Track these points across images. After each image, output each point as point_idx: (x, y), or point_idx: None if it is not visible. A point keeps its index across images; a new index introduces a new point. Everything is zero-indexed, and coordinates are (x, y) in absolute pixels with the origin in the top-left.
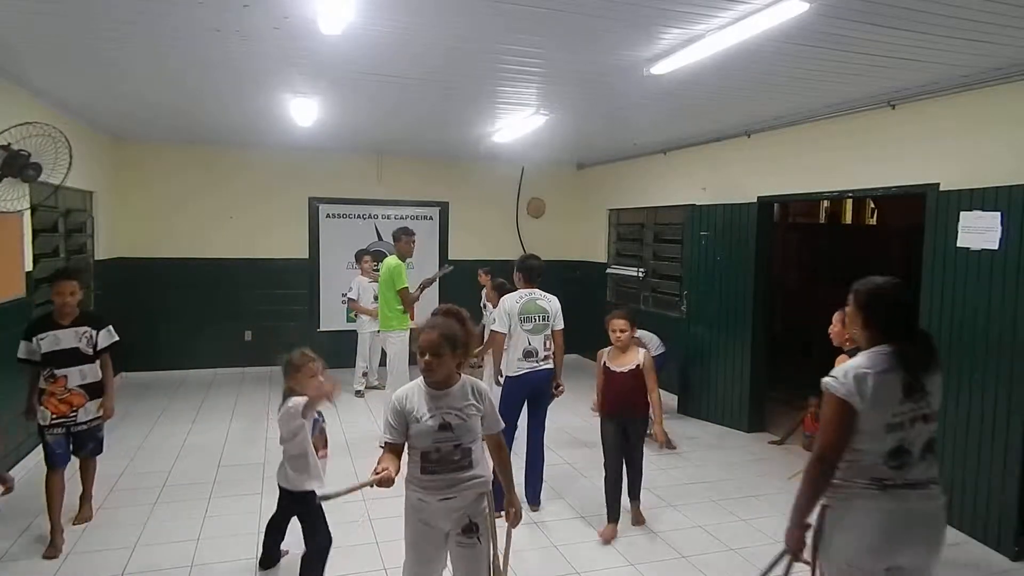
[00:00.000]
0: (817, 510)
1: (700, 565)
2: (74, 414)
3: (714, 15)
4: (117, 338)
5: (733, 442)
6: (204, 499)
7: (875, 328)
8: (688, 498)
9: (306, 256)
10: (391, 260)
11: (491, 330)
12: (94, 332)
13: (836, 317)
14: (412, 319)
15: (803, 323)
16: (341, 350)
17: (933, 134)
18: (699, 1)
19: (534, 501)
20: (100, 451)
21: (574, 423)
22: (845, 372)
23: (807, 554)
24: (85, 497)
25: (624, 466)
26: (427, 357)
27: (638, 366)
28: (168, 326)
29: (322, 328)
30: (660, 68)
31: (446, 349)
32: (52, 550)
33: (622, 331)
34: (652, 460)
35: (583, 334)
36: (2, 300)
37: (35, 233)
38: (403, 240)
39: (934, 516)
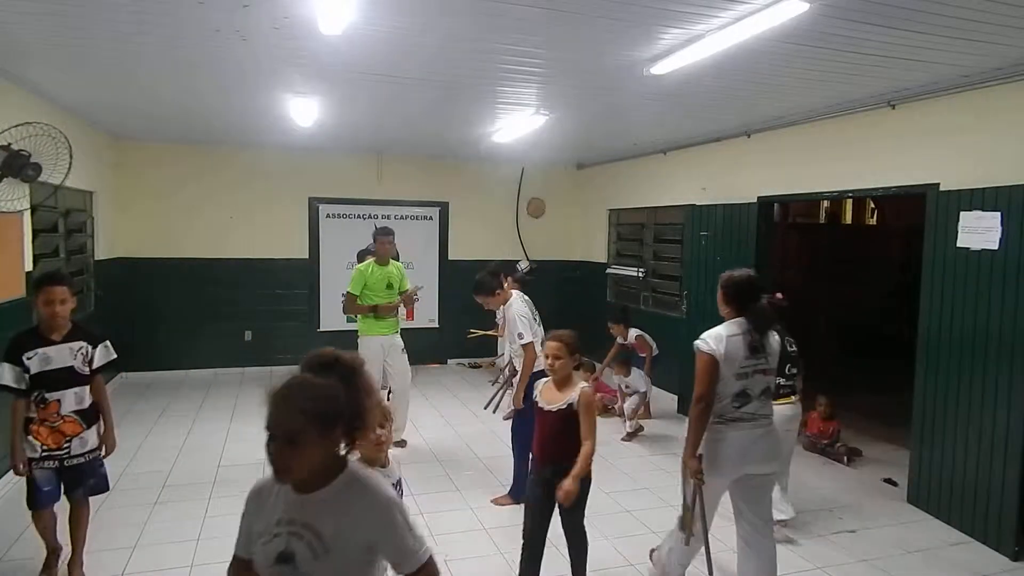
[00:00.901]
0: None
1: (700, 564)
2: (68, 445)
3: (714, 15)
4: (115, 355)
5: None
6: (204, 499)
7: (731, 305)
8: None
9: (306, 256)
10: (362, 263)
11: (526, 344)
12: (90, 348)
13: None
14: (411, 317)
15: (802, 323)
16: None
17: (933, 134)
18: (699, 1)
19: None
20: (105, 488)
21: None
22: (709, 335)
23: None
24: (75, 561)
25: (547, 533)
26: (275, 445)
27: (570, 405)
28: (168, 326)
29: (322, 328)
30: (660, 68)
31: (308, 432)
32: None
33: (556, 358)
34: (651, 460)
35: (582, 335)
36: (2, 300)
37: (35, 233)
38: (378, 241)
39: (767, 437)
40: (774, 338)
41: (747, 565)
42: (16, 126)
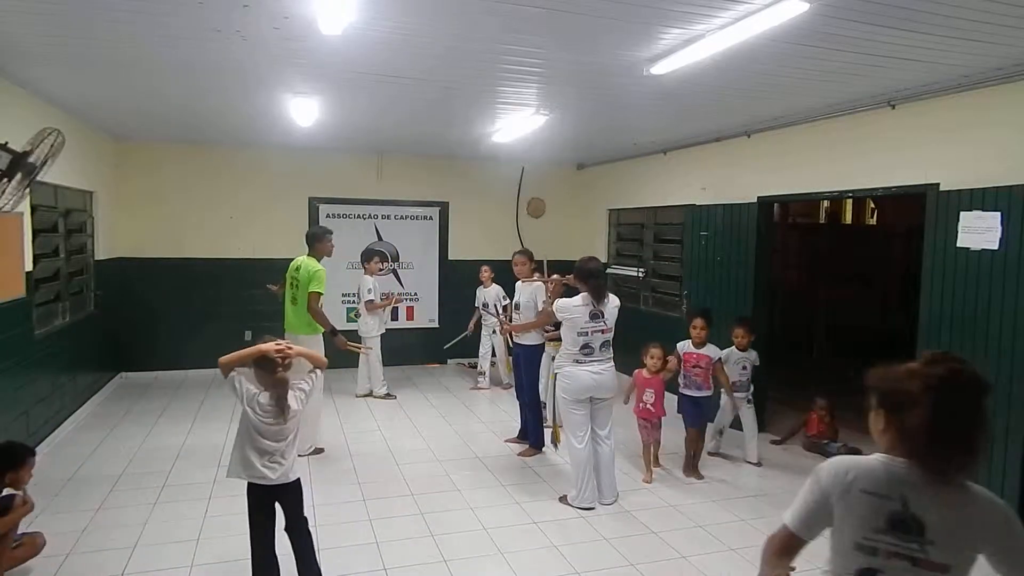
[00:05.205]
0: (554, 377)
1: (700, 565)
2: None
3: (714, 15)
4: None
5: (733, 442)
6: (204, 499)
7: (580, 282)
8: (688, 498)
9: (306, 256)
10: (311, 262)
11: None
12: None
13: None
14: (411, 316)
15: (803, 323)
16: (341, 351)
17: (933, 134)
18: (699, 1)
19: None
20: None
21: None
22: (560, 305)
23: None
24: None
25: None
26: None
27: None
28: (168, 326)
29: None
30: (660, 68)
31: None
32: None
33: None
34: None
35: None
36: (2, 300)
37: (35, 233)
38: (328, 240)
39: (606, 374)
40: (612, 304)
41: (595, 458)
42: (44, 138)
